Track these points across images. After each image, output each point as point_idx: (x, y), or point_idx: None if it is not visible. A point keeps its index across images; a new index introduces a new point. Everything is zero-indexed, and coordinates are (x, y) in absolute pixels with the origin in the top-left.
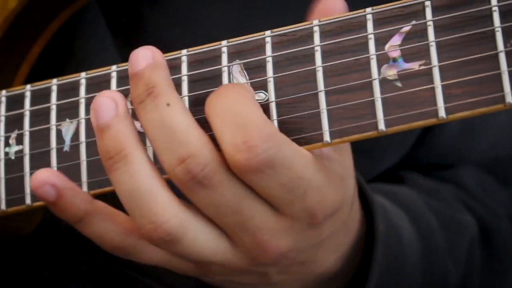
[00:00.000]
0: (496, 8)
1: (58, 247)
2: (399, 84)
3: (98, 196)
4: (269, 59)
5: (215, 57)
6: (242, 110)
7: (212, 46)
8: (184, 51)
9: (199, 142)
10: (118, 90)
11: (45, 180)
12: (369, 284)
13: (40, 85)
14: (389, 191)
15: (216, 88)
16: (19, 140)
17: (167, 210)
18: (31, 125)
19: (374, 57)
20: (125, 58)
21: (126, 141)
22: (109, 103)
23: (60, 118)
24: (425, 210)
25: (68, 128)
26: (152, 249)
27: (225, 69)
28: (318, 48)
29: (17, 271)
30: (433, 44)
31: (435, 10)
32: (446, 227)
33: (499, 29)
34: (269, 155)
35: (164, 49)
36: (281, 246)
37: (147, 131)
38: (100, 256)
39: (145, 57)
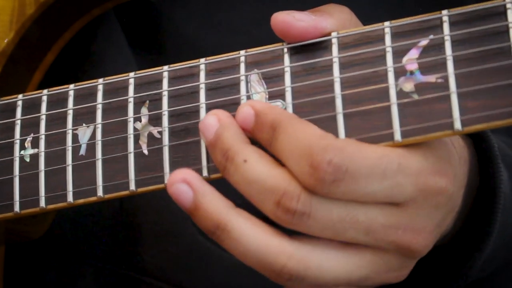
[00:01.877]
0: None
1: (63, 250)
2: (416, 96)
3: (117, 213)
4: (287, 69)
5: (234, 66)
6: (295, 138)
7: (230, 55)
8: (202, 60)
9: (283, 180)
10: (136, 96)
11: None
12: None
13: (57, 90)
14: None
15: (233, 97)
16: (35, 144)
17: (280, 255)
18: (47, 129)
19: (392, 69)
20: (142, 65)
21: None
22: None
23: (76, 123)
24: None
25: (84, 133)
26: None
27: (243, 78)
28: (336, 60)
29: (22, 274)
30: (450, 58)
31: (453, 25)
32: None
33: None
34: (335, 164)
35: (186, 44)
36: (420, 234)
37: (240, 191)
38: (105, 259)
39: (212, 124)
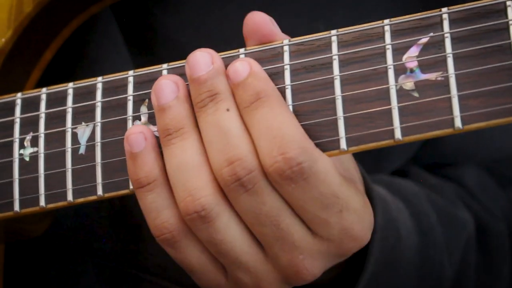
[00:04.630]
0: None
1: (64, 248)
2: (416, 94)
3: (119, 211)
4: (287, 67)
5: None
6: (279, 120)
7: (230, 53)
8: None
9: (248, 148)
10: (135, 94)
11: (140, 130)
12: (364, 275)
13: (56, 88)
14: (392, 182)
15: None
16: (34, 142)
17: (207, 187)
18: (47, 128)
19: (392, 67)
20: (138, 64)
21: (186, 121)
22: (171, 85)
23: (75, 121)
24: (425, 205)
25: (84, 131)
26: (195, 247)
27: None
28: (336, 57)
29: (23, 271)
30: (450, 55)
31: (453, 23)
32: (445, 223)
33: None
34: (303, 167)
35: (177, 51)
36: (315, 269)
37: (203, 131)
38: (107, 257)
39: (204, 61)
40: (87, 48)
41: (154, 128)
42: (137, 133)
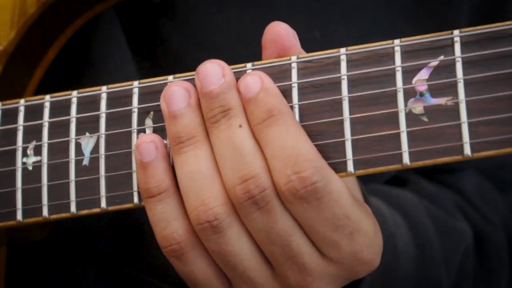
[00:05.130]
0: None
1: (65, 249)
2: (425, 119)
3: (120, 212)
4: (295, 85)
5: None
6: (294, 139)
7: (237, 67)
8: None
9: (262, 166)
10: (140, 106)
11: (151, 139)
12: None
13: (60, 96)
14: (390, 194)
15: None
16: (37, 151)
17: (220, 197)
18: (50, 137)
19: (401, 90)
20: (138, 66)
21: (198, 129)
22: (183, 92)
23: (79, 131)
24: (424, 217)
25: (87, 142)
26: (202, 259)
27: None
28: (344, 77)
29: (24, 274)
30: (461, 81)
31: (464, 45)
32: (443, 235)
33: None
34: (317, 187)
35: (172, 56)
36: None
37: (215, 147)
38: (107, 258)
39: (216, 74)
40: (90, 47)
41: None
42: (148, 142)
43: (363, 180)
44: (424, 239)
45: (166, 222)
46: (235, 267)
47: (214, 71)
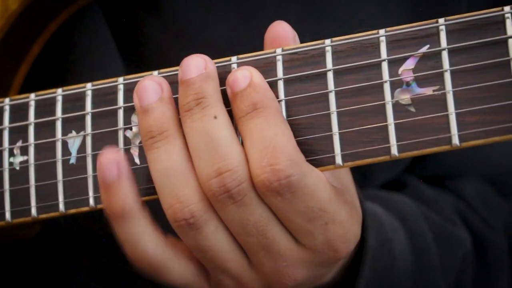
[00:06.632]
0: None
1: (58, 244)
2: (412, 109)
3: None
4: (281, 78)
5: (225, 73)
6: (272, 131)
7: (222, 61)
8: None
9: (239, 159)
10: (126, 105)
11: (113, 159)
12: None
13: (45, 94)
14: (388, 199)
15: None
16: (24, 151)
17: (195, 194)
18: (36, 136)
19: (388, 80)
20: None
21: (170, 123)
22: (155, 86)
23: (65, 129)
24: (422, 223)
25: (74, 141)
26: (182, 266)
27: None
28: (330, 70)
29: (18, 269)
30: (448, 70)
31: (449, 34)
32: (441, 242)
33: None
34: (291, 180)
35: (158, 54)
36: (298, 275)
37: (189, 138)
38: (101, 252)
39: (197, 65)
40: (75, 41)
41: None
42: (111, 162)
43: (360, 185)
44: (422, 245)
45: (137, 239)
46: (212, 260)
47: (196, 63)
